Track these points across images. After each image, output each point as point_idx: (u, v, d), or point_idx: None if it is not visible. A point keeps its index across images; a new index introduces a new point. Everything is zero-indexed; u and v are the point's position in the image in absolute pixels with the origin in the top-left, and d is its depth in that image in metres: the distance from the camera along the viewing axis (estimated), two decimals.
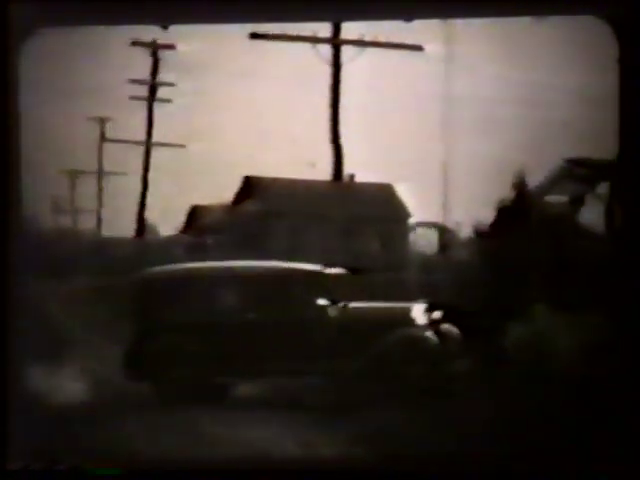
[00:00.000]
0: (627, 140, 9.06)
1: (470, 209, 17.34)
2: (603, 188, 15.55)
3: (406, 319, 12.62)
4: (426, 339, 12.53)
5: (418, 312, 12.72)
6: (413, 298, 13.44)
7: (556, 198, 15.93)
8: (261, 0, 9.42)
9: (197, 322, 12.72)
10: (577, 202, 15.73)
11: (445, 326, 12.74)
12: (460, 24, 15.38)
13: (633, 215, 9.34)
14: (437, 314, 12.78)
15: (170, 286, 13.02)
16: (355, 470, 9.29)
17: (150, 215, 20.59)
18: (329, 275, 13.11)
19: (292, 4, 9.37)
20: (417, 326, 12.63)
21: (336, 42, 16.99)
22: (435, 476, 8.90)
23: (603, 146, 15.16)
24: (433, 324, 12.70)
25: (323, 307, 12.74)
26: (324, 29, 17.00)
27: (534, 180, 16.09)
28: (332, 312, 12.76)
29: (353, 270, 13.65)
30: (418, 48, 17.01)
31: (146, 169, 20.46)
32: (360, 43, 16.96)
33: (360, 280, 14.08)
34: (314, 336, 12.54)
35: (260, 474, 9.05)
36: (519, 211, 15.67)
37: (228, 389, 12.84)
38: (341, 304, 12.83)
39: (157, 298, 12.95)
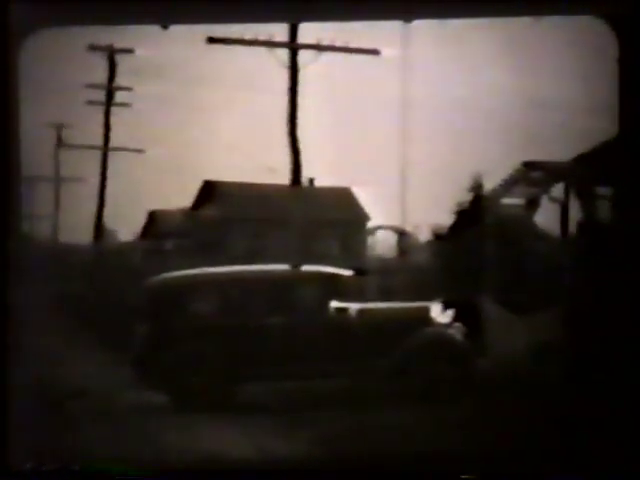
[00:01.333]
0: (627, 140, 9.06)
1: (428, 212, 17.41)
2: (558, 190, 15.68)
3: (426, 318, 12.76)
4: (453, 338, 12.69)
5: (437, 311, 12.87)
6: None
7: (512, 201, 16.04)
8: (260, 0, 9.39)
9: (212, 327, 12.73)
10: (532, 204, 15.85)
11: (457, 324, 12.92)
12: (416, 27, 15.43)
13: (633, 216, 9.31)
14: (451, 313, 12.94)
15: (184, 292, 13.05)
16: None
17: (108, 221, 20.45)
18: (344, 277, 13.19)
19: (292, 4, 9.36)
20: (439, 325, 12.77)
21: (293, 46, 16.97)
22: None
23: (563, 148, 15.30)
24: (451, 323, 12.87)
25: (341, 309, 12.81)
26: (281, 33, 17.01)
27: (490, 183, 16.19)
28: (350, 314, 12.85)
29: (359, 271, 13.75)
30: (375, 52, 17.05)
31: (104, 174, 20.32)
32: (317, 47, 16.96)
33: (368, 281, 14.22)
34: (333, 338, 12.60)
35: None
36: (476, 214, 15.76)
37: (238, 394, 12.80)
38: (357, 305, 12.92)
39: (171, 304, 12.96)
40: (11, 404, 8.91)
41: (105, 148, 20.35)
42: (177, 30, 15.56)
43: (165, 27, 11.81)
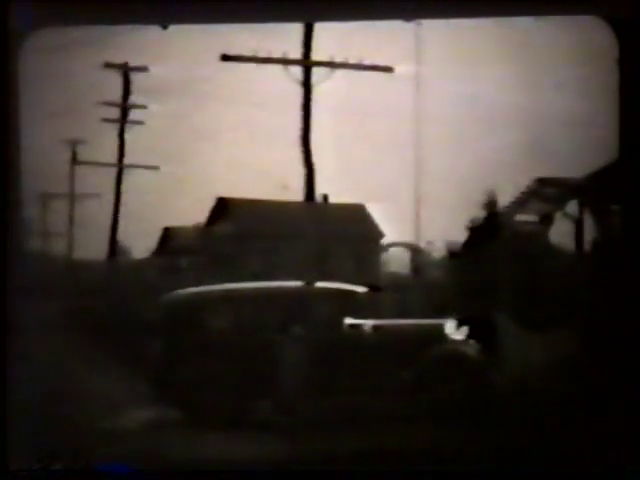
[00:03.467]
0: (627, 140, 9.02)
1: (442, 229, 17.40)
2: (572, 207, 15.66)
3: (441, 335, 12.75)
4: (467, 354, 12.67)
5: (451, 328, 12.86)
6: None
7: (526, 217, 16.03)
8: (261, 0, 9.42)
9: (227, 344, 12.76)
10: (546, 221, 15.83)
11: (472, 341, 12.91)
12: (430, 43, 15.48)
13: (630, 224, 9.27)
14: (466, 329, 12.92)
15: (198, 308, 13.10)
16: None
17: (123, 237, 20.51)
18: (358, 293, 13.20)
19: (292, 4, 9.38)
20: (454, 342, 12.76)
21: (307, 63, 17.04)
22: None
23: (574, 164, 15.28)
24: (466, 339, 12.85)
25: (355, 325, 12.82)
26: (294, 50, 17.08)
27: (504, 200, 16.17)
28: (365, 330, 12.86)
29: (374, 288, 13.78)
30: (388, 69, 17.09)
31: (118, 191, 20.40)
32: (331, 65, 17.03)
33: (382, 298, 14.22)
34: (347, 355, 12.61)
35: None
36: (490, 230, 15.74)
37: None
38: (372, 322, 12.92)
39: (186, 320, 13.00)
40: (11, 404, 8.91)
41: (120, 165, 20.44)
42: (191, 47, 15.64)
43: (165, 27, 11.85)
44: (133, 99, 20.55)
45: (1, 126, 9.03)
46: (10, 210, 9.20)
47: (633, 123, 8.88)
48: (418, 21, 12.84)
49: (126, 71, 20.27)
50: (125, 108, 20.47)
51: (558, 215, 15.70)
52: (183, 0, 9.40)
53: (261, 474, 8.97)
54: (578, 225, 15.49)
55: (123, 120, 20.46)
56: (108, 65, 19.81)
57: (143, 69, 20.29)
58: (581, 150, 15.28)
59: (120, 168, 20.37)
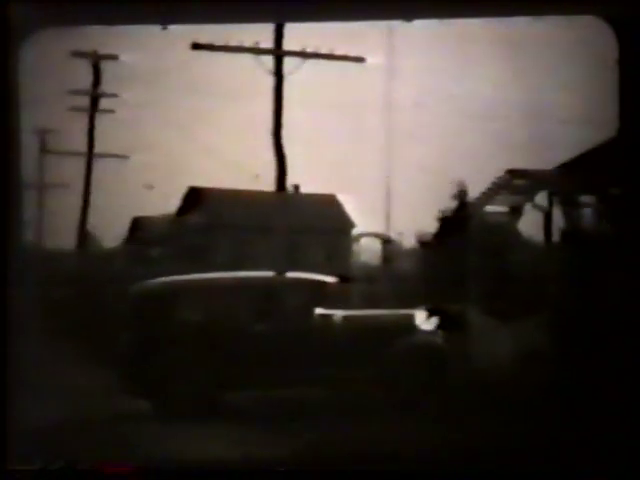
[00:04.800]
0: (627, 140, 9.06)
1: (413, 219, 17.45)
2: (542, 198, 15.76)
3: (410, 326, 12.78)
4: (437, 345, 12.72)
5: (421, 318, 12.90)
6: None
7: (496, 208, 16.11)
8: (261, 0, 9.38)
9: (197, 334, 12.71)
10: (516, 212, 15.93)
11: (441, 332, 12.95)
12: (401, 33, 15.49)
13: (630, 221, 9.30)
14: (435, 320, 12.96)
15: (169, 298, 13.03)
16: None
17: (92, 227, 20.40)
18: (328, 284, 13.20)
19: (294, 4, 9.35)
20: (423, 332, 12.80)
21: (278, 53, 17.00)
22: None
23: (545, 156, 15.37)
24: (436, 330, 12.89)
25: (325, 316, 12.82)
26: (266, 40, 17.03)
27: (475, 191, 16.25)
28: (336, 320, 12.86)
29: (344, 278, 13.79)
30: (360, 59, 17.09)
31: (88, 181, 20.28)
32: (302, 54, 16.99)
33: (353, 288, 14.24)
34: (317, 345, 12.60)
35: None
36: (460, 222, 15.81)
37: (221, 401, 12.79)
38: (342, 312, 12.93)
39: (156, 311, 12.93)
40: (11, 404, 8.88)
41: (89, 154, 20.31)
42: (161, 36, 15.55)
43: (165, 27, 11.80)
44: (103, 88, 20.43)
45: (1, 125, 8.99)
46: (8, 207, 9.16)
47: (633, 123, 8.91)
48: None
49: (95, 60, 20.13)
50: (95, 97, 20.34)
51: (527, 206, 15.79)
52: (183, 0, 9.35)
53: (261, 474, 8.99)
54: (547, 216, 15.59)
55: (93, 109, 20.32)
56: (77, 54, 19.66)
57: (113, 57, 20.15)
58: (550, 142, 15.37)
59: (90, 157, 20.25)
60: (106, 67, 20.39)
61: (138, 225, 20.71)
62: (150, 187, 16.96)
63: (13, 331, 9.11)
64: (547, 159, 15.35)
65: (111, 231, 20.33)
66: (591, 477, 8.65)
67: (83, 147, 20.33)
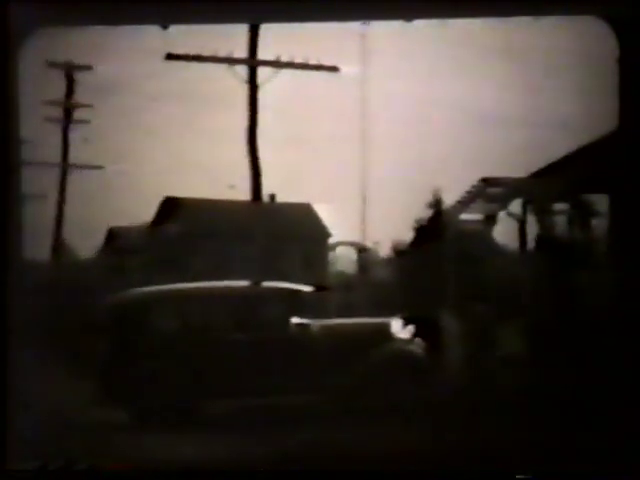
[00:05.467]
0: (627, 140, 9.09)
1: (388, 228, 17.53)
2: (516, 206, 15.87)
3: (387, 334, 12.78)
4: (413, 353, 12.73)
5: (397, 327, 12.90)
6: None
7: (471, 216, 16.19)
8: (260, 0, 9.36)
9: (174, 344, 12.68)
10: (491, 220, 16.02)
11: (417, 340, 12.98)
12: (375, 43, 15.56)
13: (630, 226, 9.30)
14: (411, 328, 12.98)
15: (145, 308, 12.99)
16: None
17: (68, 237, 20.33)
18: (304, 293, 13.20)
19: (296, 4, 9.34)
20: (400, 341, 12.81)
21: (252, 63, 17.01)
22: None
23: (519, 165, 15.49)
24: (413, 338, 12.91)
25: (303, 325, 12.82)
26: (240, 50, 17.05)
27: (450, 199, 16.34)
28: (312, 329, 12.86)
29: (320, 287, 13.80)
30: (334, 69, 17.14)
31: (62, 191, 20.21)
32: (276, 64, 17.02)
33: (329, 297, 14.25)
34: (294, 354, 12.59)
35: None
36: (435, 230, 15.89)
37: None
38: (318, 321, 12.93)
39: (132, 321, 12.89)
40: (11, 405, 8.82)
41: (64, 165, 20.25)
42: (136, 46, 15.53)
43: (165, 27, 11.79)
44: (78, 98, 20.38)
45: (1, 125, 8.95)
46: (8, 212, 9.13)
47: (633, 123, 8.94)
48: (365, 22, 12.88)
49: (69, 70, 20.08)
50: (69, 107, 20.28)
51: (502, 214, 15.89)
52: (183, 0, 9.34)
53: (260, 474, 8.96)
54: (521, 224, 15.70)
55: (67, 119, 20.26)
56: (51, 64, 19.60)
57: (87, 68, 20.11)
58: (524, 150, 15.49)
59: (64, 168, 20.18)
60: (80, 77, 20.35)
61: (114, 235, 20.67)
62: (233, 187, 16.95)
63: (14, 333, 9.08)
64: (521, 167, 15.46)
65: (87, 241, 20.29)
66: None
67: (57, 157, 20.28)
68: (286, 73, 17.15)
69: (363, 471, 9.12)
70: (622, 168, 9.10)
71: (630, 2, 8.91)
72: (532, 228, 15.76)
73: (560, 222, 15.75)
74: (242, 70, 17.15)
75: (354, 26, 14.31)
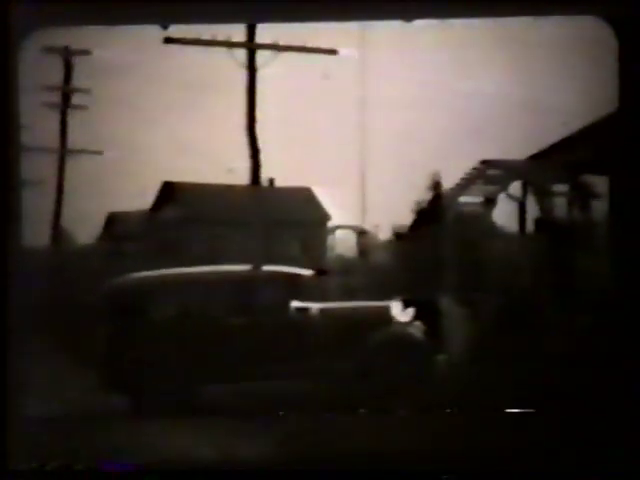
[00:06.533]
0: (627, 140, 9.09)
1: (388, 211, 17.51)
2: (515, 188, 15.86)
3: (386, 317, 12.79)
4: (413, 336, 12.74)
5: (397, 310, 12.91)
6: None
7: (470, 199, 16.18)
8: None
9: (174, 329, 12.68)
10: (490, 202, 16.00)
11: (417, 323, 12.99)
12: (374, 26, 15.51)
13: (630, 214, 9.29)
14: (411, 311, 12.99)
15: (145, 294, 12.99)
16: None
17: (67, 223, 20.32)
18: (304, 277, 13.20)
19: (296, 4, 9.31)
20: (399, 324, 12.81)
21: (251, 46, 16.95)
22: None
23: (520, 147, 15.46)
24: (412, 321, 12.92)
25: (303, 309, 12.82)
26: (239, 34, 17.00)
27: (449, 182, 16.32)
28: (312, 313, 12.86)
29: (319, 271, 13.80)
30: (333, 52, 17.09)
31: (61, 177, 20.18)
32: (275, 47, 16.96)
33: (329, 281, 14.25)
34: (294, 338, 12.60)
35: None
36: (435, 213, 15.88)
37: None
38: (318, 305, 12.94)
39: (132, 306, 12.89)
40: (11, 404, 8.83)
41: (63, 150, 20.21)
42: (134, 30, 15.49)
43: (165, 27, 11.77)
44: (76, 83, 20.32)
45: (1, 125, 8.96)
46: (12, 207, 9.14)
47: (633, 123, 8.94)
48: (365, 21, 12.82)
49: (67, 55, 20.02)
50: (67, 92, 20.23)
51: (501, 196, 15.88)
52: (183, 0, 9.32)
53: (259, 474, 8.98)
54: (521, 206, 15.69)
55: (65, 105, 20.22)
56: (49, 49, 19.54)
57: (85, 53, 20.05)
58: (524, 133, 15.45)
59: (63, 153, 20.15)
60: (78, 63, 20.30)
61: (113, 220, 20.65)
62: (232, 171, 16.91)
63: (13, 330, 9.08)
64: (521, 149, 15.44)
65: (86, 227, 20.28)
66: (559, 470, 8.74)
67: (56, 143, 20.24)
68: (285, 56, 17.10)
69: (362, 470, 9.15)
70: (621, 151, 9.09)
71: (630, 2, 8.89)
72: (532, 210, 15.76)
73: (559, 204, 15.74)
74: (241, 54, 17.10)
75: None
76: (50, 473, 8.83)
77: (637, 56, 8.89)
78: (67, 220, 20.24)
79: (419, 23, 10.97)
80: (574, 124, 15.14)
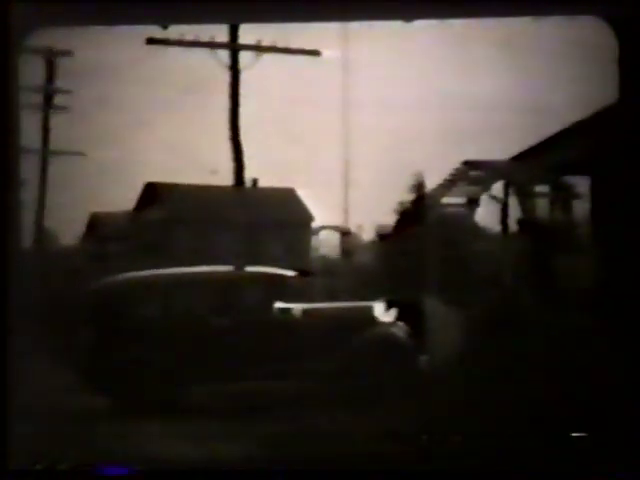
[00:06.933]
0: (627, 140, 9.12)
1: (371, 212, 17.55)
2: (498, 189, 15.93)
3: (370, 318, 12.83)
4: (396, 336, 12.78)
5: (380, 310, 12.95)
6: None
7: (453, 200, 16.24)
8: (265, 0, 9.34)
9: (157, 330, 12.68)
10: (473, 203, 16.07)
11: (400, 323, 13.02)
12: (356, 27, 15.53)
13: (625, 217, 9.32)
14: (394, 312, 13.03)
15: (128, 295, 12.99)
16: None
17: (50, 224, 20.26)
18: (288, 278, 13.23)
19: (296, 4, 9.32)
20: (383, 324, 12.85)
21: (234, 47, 16.97)
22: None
23: (502, 147, 15.53)
24: (395, 322, 12.96)
25: (285, 310, 12.84)
26: (222, 34, 17.00)
27: (432, 183, 16.37)
28: (295, 314, 12.88)
29: (303, 272, 13.83)
30: (316, 53, 17.12)
31: (43, 178, 20.12)
32: (258, 48, 16.98)
33: (312, 282, 14.28)
34: (277, 339, 12.62)
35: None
36: (418, 213, 15.93)
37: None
38: (302, 306, 12.96)
39: (115, 307, 12.89)
40: (11, 404, 8.82)
41: (44, 152, 20.15)
42: (117, 31, 15.46)
43: (165, 27, 11.78)
44: (59, 83, 20.27)
45: (1, 126, 8.95)
46: (11, 208, 9.13)
47: (633, 123, 8.96)
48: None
49: (50, 55, 19.96)
50: (49, 93, 20.17)
51: (484, 197, 15.94)
52: (183, 0, 9.31)
53: (259, 474, 8.99)
54: (503, 207, 15.76)
55: (47, 105, 20.15)
56: (31, 50, 19.47)
57: (68, 53, 20.00)
58: (506, 133, 15.51)
59: (45, 155, 20.08)
60: (61, 63, 20.24)
61: (96, 221, 20.60)
62: (215, 172, 16.90)
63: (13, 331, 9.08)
64: (503, 149, 15.49)
65: (69, 228, 20.22)
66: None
67: (38, 144, 20.17)
68: (268, 57, 17.12)
69: (352, 469, 9.17)
70: (621, 149, 9.14)
71: (630, 2, 8.91)
72: (514, 211, 15.83)
73: (542, 204, 15.82)
74: (224, 55, 17.11)
75: None
76: (50, 473, 8.83)
77: (637, 56, 8.92)
78: (50, 221, 20.18)
79: (400, 23, 10.98)
80: (555, 109, 15.20)
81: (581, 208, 15.58)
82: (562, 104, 14.76)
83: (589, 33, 10.13)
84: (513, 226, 15.83)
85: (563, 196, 15.80)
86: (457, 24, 10.96)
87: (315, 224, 20.14)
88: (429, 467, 8.96)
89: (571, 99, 14.44)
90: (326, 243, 19.21)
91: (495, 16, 9.84)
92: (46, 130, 20.26)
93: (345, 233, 18.52)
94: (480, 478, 8.77)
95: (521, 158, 15.39)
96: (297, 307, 13.01)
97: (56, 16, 9.26)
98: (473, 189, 15.94)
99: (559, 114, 14.78)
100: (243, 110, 17.31)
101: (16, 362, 9.23)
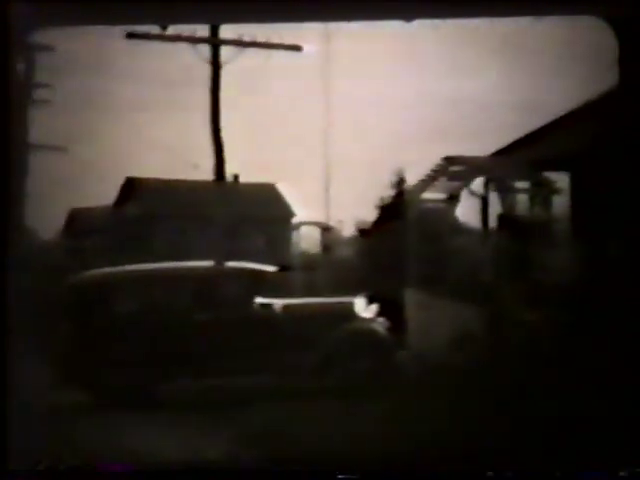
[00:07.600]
0: (627, 140, 9.14)
1: (351, 208, 17.57)
2: (478, 185, 15.96)
3: (350, 313, 12.84)
4: (376, 332, 12.79)
5: (360, 306, 12.95)
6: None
7: (433, 195, 16.27)
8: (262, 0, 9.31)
9: (136, 325, 12.64)
10: (453, 199, 16.11)
11: (381, 319, 13.03)
12: (337, 25, 15.54)
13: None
14: (375, 307, 13.04)
15: (106, 290, 12.94)
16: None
17: (29, 219, 20.15)
18: (268, 273, 13.21)
19: (296, 4, 9.30)
20: (363, 320, 12.86)
21: (215, 42, 16.91)
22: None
23: (483, 145, 15.57)
24: (375, 317, 12.96)
25: (265, 305, 12.82)
26: (203, 29, 16.94)
27: (412, 178, 16.40)
28: (276, 309, 12.88)
29: (283, 267, 13.82)
30: (297, 48, 17.10)
31: (23, 173, 20.00)
32: (239, 43, 16.94)
33: (292, 277, 14.28)
34: (258, 334, 12.60)
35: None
36: (398, 209, 15.95)
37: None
38: (282, 301, 12.95)
39: (93, 302, 12.84)
40: (11, 404, 8.78)
41: (24, 146, 20.03)
42: (98, 26, 15.41)
43: (164, 28, 11.74)
44: (38, 78, 20.16)
45: (2, 125, 8.92)
46: (11, 208, 9.10)
47: (633, 123, 8.97)
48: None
49: (30, 49, 19.85)
50: (29, 87, 20.06)
51: (464, 193, 15.97)
52: (183, 0, 9.27)
53: (258, 474, 8.97)
54: (484, 202, 15.80)
55: (27, 100, 20.04)
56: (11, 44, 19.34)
57: (48, 48, 19.90)
58: (487, 130, 15.57)
59: (25, 149, 19.96)
60: (41, 59, 20.13)
61: (76, 216, 20.52)
62: (196, 167, 16.85)
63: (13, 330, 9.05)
64: (483, 145, 15.54)
65: (48, 223, 20.14)
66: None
67: (18, 139, 20.04)
68: (249, 52, 17.09)
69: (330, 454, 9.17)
70: (584, 148, 9.17)
71: (630, 2, 8.93)
72: (494, 206, 15.88)
73: (522, 200, 15.87)
74: (205, 49, 17.06)
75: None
76: (50, 473, 8.80)
77: (637, 56, 8.94)
78: (29, 216, 20.08)
79: (383, 22, 10.98)
80: (535, 105, 15.25)
81: (561, 204, 15.64)
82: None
83: (589, 33, 10.16)
84: (493, 221, 15.88)
85: (543, 192, 15.85)
86: (443, 24, 10.99)
87: (296, 219, 20.16)
88: (411, 466, 8.98)
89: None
90: (307, 238, 19.23)
91: (495, 16, 9.86)
92: (26, 125, 20.15)
93: (326, 228, 18.53)
94: (479, 478, 8.80)
95: (501, 154, 15.43)
96: (277, 302, 13.00)
97: (56, 16, 9.24)
98: (453, 185, 15.98)
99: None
100: (224, 105, 17.28)
101: (16, 362, 9.21)
